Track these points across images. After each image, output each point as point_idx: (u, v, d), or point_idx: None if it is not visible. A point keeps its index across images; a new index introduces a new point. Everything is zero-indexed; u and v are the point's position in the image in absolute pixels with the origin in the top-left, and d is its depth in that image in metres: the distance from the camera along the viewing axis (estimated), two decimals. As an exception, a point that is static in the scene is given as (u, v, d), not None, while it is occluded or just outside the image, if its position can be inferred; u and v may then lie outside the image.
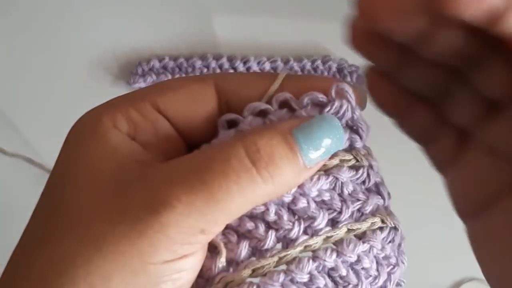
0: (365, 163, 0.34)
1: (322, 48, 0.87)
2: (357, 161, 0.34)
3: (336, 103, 0.32)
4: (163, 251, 0.28)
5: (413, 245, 0.79)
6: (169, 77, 0.85)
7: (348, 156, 0.33)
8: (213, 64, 0.85)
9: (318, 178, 0.33)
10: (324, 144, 0.31)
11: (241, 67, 0.85)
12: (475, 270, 0.36)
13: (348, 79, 0.86)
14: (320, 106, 0.33)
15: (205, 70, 0.85)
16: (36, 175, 0.83)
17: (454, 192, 0.36)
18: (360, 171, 0.34)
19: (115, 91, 0.87)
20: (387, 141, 0.82)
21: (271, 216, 0.32)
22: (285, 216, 0.32)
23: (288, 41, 0.87)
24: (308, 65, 0.86)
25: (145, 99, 0.33)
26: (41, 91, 0.85)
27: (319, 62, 0.86)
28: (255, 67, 0.86)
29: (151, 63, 0.85)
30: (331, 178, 0.33)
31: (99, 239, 0.28)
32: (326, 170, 0.33)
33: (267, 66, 0.86)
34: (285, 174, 0.30)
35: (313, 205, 0.32)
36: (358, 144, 0.34)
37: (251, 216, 0.32)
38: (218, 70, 0.85)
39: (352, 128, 0.34)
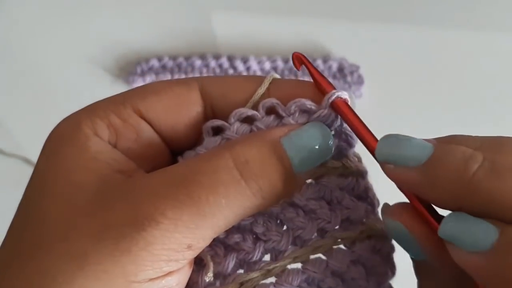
0: (354, 170, 0.33)
1: (322, 48, 0.86)
2: (346, 168, 0.33)
3: (326, 111, 0.32)
4: (148, 268, 0.27)
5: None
6: (169, 76, 0.84)
7: (337, 164, 0.33)
8: (213, 63, 0.85)
9: (307, 187, 0.32)
10: (314, 153, 0.30)
11: (241, 67, 0.85)
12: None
13: (349, 78, 0.85)
14: (308, 113, 0.32)
15: (204, 69, 0.85)
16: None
17: None
18: (349, 179, 0.33)
19: (114, 91, 0.86)
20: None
21: (260, 228, 0.32)
22: (274, 227, 0.32)
23: (288, 40, 0.86)
24: (309, 65, 0.86)
25: (126, 104, 0.32)
26: (40, 91, 0.85)
27: (319, 61, 0.85)
28: (255, 67, 0.85)
29: (150, 62, 0.85)
30: (319, 186, 0.32)
31: (80, 256, 0.26)
32: (314, 178, 0.33)
33: (267, 65, 0.85)
34: (275, 185, 0.29)
35: (301, 215, 0.32)
36: (347, 151, 0.33)
37: (239, 228, 0.32)
38: (217, 70, 0.85)
39: (341, 135, 0.33)
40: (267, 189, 0.29)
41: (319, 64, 0.85)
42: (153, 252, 0.27)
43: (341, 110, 0.31)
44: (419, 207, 0.29)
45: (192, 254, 0.29)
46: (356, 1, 0.84)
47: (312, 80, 0.33)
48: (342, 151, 0.33)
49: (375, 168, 0.32)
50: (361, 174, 0.34)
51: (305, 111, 0.32)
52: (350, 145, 0.33)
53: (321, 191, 0.32)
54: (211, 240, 0.29)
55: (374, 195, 0.34)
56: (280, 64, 0.86)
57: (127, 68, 0.86)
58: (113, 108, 0.32)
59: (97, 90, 0.85)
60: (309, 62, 0.33)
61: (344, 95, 0.31)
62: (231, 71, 0.85)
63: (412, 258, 0.32)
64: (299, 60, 0.33)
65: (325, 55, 0.86)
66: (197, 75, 0.84)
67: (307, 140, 0.30)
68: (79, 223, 0.28)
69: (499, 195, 0.26)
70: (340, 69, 0.86)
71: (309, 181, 0.32)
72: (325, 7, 0.86)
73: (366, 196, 0.34)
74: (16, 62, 0.86)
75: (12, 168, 0.84)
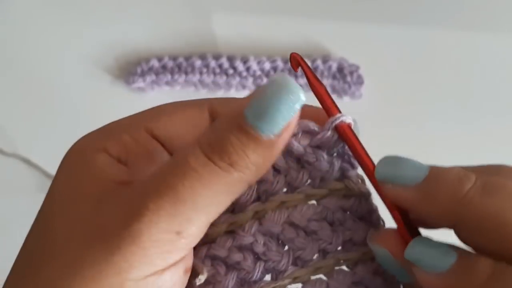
0: (357, 191, 0.33)
1: (322, 48, 0.86)
2: (349, 190, 0.33)
3: (329, 133, 0.32)
4: (141, 264, 0.28)
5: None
6: (168, 76, 0.84)
7: (340, 185, 0.33)
8: (213, 63, 0.85)
9: (308, 208, 0.32)
10: (280, 112, 0.29)
11: (241, 67, 0.85)
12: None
13: (349, 78, 0.85)
14: (311, 134, 0.32)
15: (204, 69, 0.85)
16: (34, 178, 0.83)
17: None
18: (351, 200, 0.33)
19: (114, 91, 0.87)
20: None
21: (260, 248, 0.32)
22: (274, 247, 0.32)
23: (288, 40, 0.86)
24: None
25: (139, 124, 0.33)
26: (40, 91, 0.85)
27: (319, 61, 0.85)
28: (255, 67, 0.85)
29: (150, 62, 0.85)
30: (321, 207, 0.32)
31: (77, 262, 0.28)
32: (317, 200, 0.33)
33: (267, 65, 0.85)
34: (247, 157, 0.29)
35: (302, 235, 0.32)
36: (350, 172, 0.33)
37: (240, 247, 0.32)
38: (217, 70, 0.85)
39: (344, 157, 0.33)
40: (238, 162, 0.29)
41: (319, 64, 0.85)
42: (142, 245, 0.28)
43: (344, 134, 0.32)
44: (402, 231, 0.31)
45: (184, 243, 0.29)
46: (357, 1, 0.84)
47: (309, 85, 0.33)
48: (345, 173, 0.33)
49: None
50: (364, 195, 0.34)
51: (308, 132, 0.32)
52: (353, 166, 0.33)
53: (323, 212, 0.33)
54: (200, 223, 0.30)
55: (378, 216, 0.34)
56: (280, 64, 0.85)
57: (127, 68, 0.85)
58: (125, 128, 0.33)
59: (97, 90, 0.85)
60: (306, 64, 0.33)
61: (348, 119, 0.32)
62: (231, 71, 0.85)
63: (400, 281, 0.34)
64: (296, 61, 0.34)
65: (325, 55, 0.86)
66: (197, 75, 0.84)
67: (268, 103, 0.29)
68: (78, 233, 0.29)
69: (489, 213, 0.28)
70: (340, 69, 0.86)
71: (311, 202, 0.33)
72: (325, 7, 0.85)
73: (369, 217, 0.34)
74: (15, 62, 0.85)
75: (12, 168, 0.84)
